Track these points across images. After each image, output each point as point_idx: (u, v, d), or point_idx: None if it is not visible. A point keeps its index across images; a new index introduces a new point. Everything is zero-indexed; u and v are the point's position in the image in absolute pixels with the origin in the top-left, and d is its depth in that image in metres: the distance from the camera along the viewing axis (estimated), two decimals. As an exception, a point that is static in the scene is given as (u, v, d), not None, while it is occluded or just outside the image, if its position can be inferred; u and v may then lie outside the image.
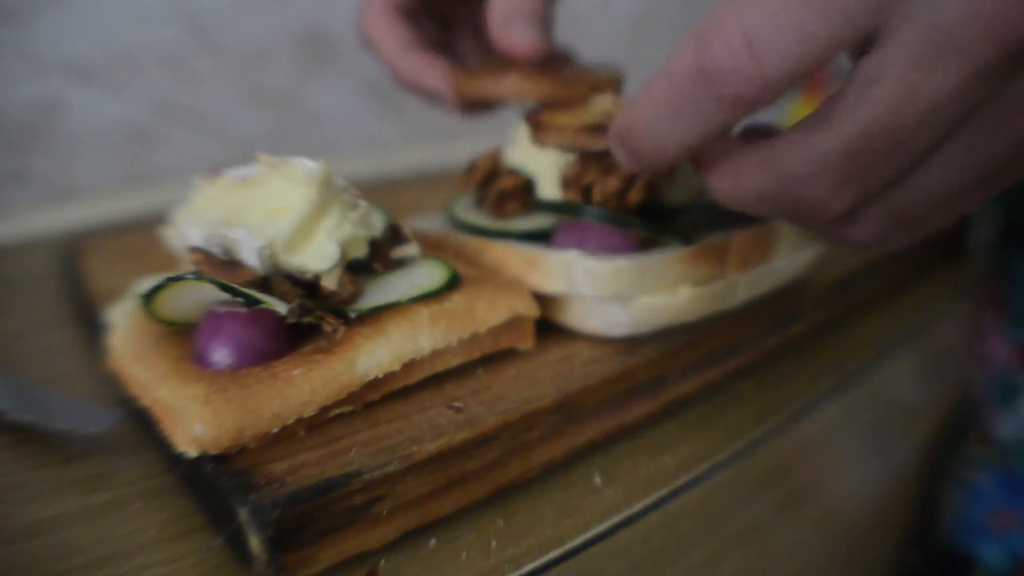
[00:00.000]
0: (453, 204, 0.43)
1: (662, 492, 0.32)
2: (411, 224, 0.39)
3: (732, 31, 0.21)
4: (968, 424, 0.65)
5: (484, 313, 0.33)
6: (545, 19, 0.37)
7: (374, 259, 0.34)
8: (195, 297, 0.30)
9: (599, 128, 0.33)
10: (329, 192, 0.31)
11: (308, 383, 0.27)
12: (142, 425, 0.31)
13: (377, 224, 0.34)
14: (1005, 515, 0.62)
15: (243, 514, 0.24)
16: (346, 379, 0.28)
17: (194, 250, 0.31)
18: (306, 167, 0.30)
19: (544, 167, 0.38)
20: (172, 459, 0.28)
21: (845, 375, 0.44)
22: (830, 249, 0.44)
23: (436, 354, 0.32)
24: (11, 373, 0.36)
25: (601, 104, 0.36)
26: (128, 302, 0.35)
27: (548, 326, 0.36)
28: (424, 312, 0.31)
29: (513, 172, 0.40)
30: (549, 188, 0.38)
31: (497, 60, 0.39)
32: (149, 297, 0.29)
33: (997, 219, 0.63)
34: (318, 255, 0.31)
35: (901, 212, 0.24)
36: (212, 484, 0.26)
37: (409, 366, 0.31)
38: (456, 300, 0.32)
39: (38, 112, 0.64)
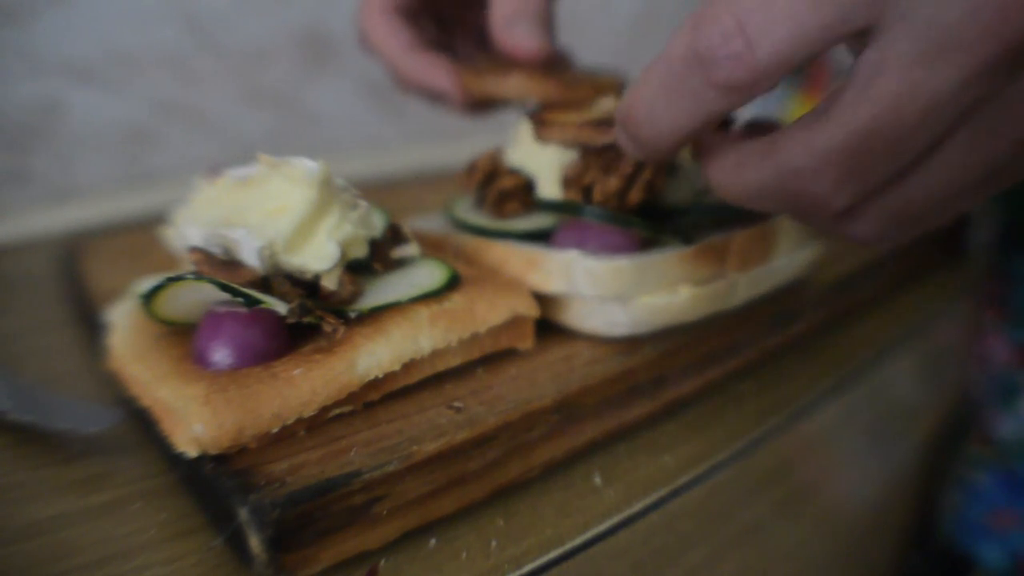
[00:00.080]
0: (453, 204, 0.43)
1: (662, 492, 0.32)
2: (411, 224, 0.39)
3: (725, 16, 0.21)
4: (968, 424, 0.65)
5: (484, 313, 0.33)
6: (547, 20, 0.37)
7: (374, 259, 0.34)
8: (195, 297, 0.30)
9: (604, 123, 0.33)
10: (329, 192, 0.31)
11: (308, 383, 0.27)
12: (142, 425, 0.31)
13: (377, 224, 0.34)
14: (1005, 515, 0.62)
15: (243, 514, 0.24)
16: (346, 379, 0.28)
17: (194, 250, 0.31)
18: (306, 167, 0.30)
19: (544, 167, 0.38)
20: (172, 459, 0.28)
21: (845, 375, 0.44)
22: (830, 249, 0.44)
23: (436, 354, 0.32)
24: (11, 373, 0.36)
25: (603, 106, 0.36)
26: (128, 302, 0.35)
27: (548, 326, 0.36)
28: (424, 312, 0.31)
29: (513, 172, 0.40)
30: (549, 188, 0.38)
31: (499, 60, 0.39)
32: (149, 297, 0.29)
33: (997, 219, 0.63)
34: (318, 255, 0.31)
35: (901, 209, 0.24)
36: (212, 484, 0.26)
37: (409, 366, 0.31)
38: (456, 300, 0.32)
39: (38, 112, 0.64)
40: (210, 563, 0.26)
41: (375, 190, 0.41)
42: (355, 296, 0.32)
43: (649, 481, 0.32)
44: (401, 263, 0.35)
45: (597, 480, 0.32)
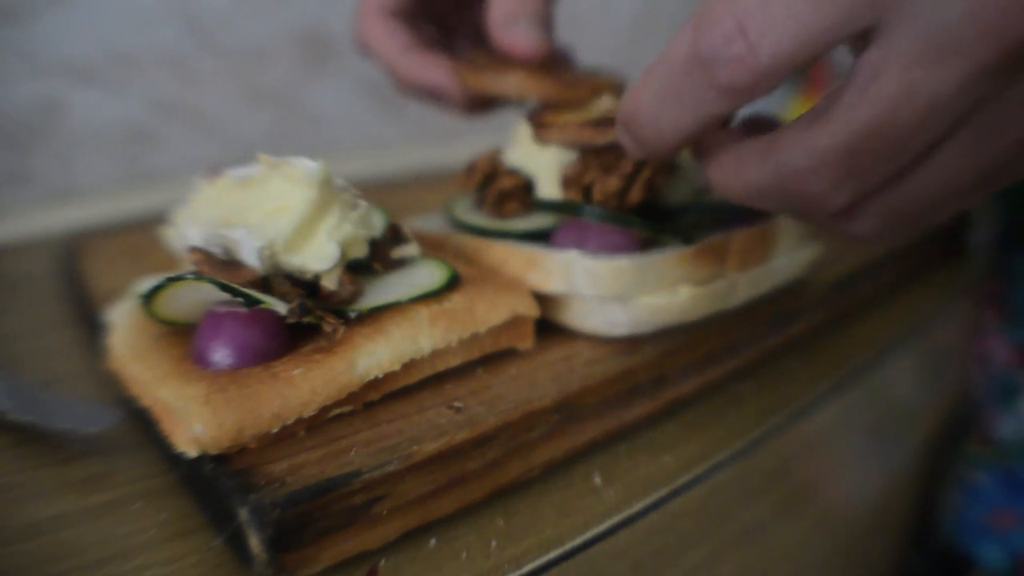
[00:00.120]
0: (453, 204, 0.43)
1: (662, 492, 0.32)
2: (411, 224, 0.39)
3: (727, 18, 0.21)
4: (968, 424, 0.65)
5: (484, 313, 0.33)
6: (546, 19, 0.37)
7: (374, 259, 0.34)
8: (195, 297, 0.30)
9: (604, 123, 0.33)
10: (329, 192, 0.31)
11: (308, 383, 0.27)
12: (142, 425, 0.31)
13: (377, 224, 0.34)
14: (1005, 515, 0.62)
15: (243, 514, 0.24)
16: (346, 379, 0.28)
17: (194, 250, 0.31)
18: (306, 167, 0.30)
19: (544, 167, 0.38)
20: (172, 459, 0.28)
21: (845, 375, 0.44)
22: (830, 249, 0.44)
23: (436, 354, 0.32)
24: (11, 373, 0.36)
25: (603, 106, 0.36)
26: (128, 302, 0.35)
27: (548, 326, 0.36)
28: (424, 312, 0.31)
29: (513, 172, 0.40)
30: (549, 188, 0.38)
31: (498, 59, 0.39)
32: (149, 297, 0.29)
33: (997, 219, 0.63)
34: (318, 255, 0.31)
35: (900, 208, 0.24)
36: (212, 484, 0.26)
37: (409, 366, 0.31)
38: (456, 300, 0.32)
39: (38, 112, 0.64)
40: (210, 563, 0.26)
41: (375, 190, 0.41)
42: (355, 296, 0.32)
43: (649, 481, 0.32)
44: (401, 263, 0.35)
45: (597, 480, 0.32)
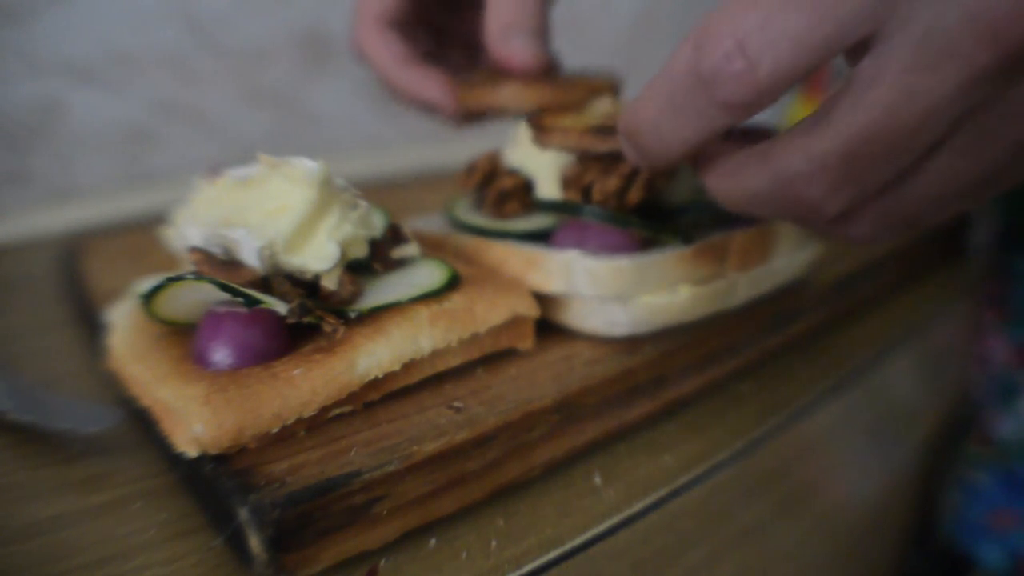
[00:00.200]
0: (453, 204, 0.43)
1: (662, 492, 0.32)
2: (411, 224, 0.39)
3: (726, 36, 0.21)
4: (968, 424, 0.65)
5: (484, 313, 0.33)
6: (544, 30, 0.37)
7: (374, 259, 0.34)
8: (195, 297, 0.30)
9: (605, 130, 0.33)
10: (329, 192, 0.31)
11: (308, 383, 0.28)
12: (142, 425, 0.31)
13: (377, 224, 0.34)
14: (1005, 515, 0.62)
15: (243, 514, 0.24)
16: (346, 379, 0.28)
17: (194, 250, 0.31)
18: (306, 167, 0.30)
19: (543, 167, 0.38)
20: (172, 459, 0.28)
21: (845, 375, 0.44)
22: (830, 249, 0.44)
23: (436, 354, 0.32)
24: (11, 373, 0.36)
25: (600, 108, 0.36)
26: (128, 302, 0.35)
27: (548, 326, 0.36)
28: (424, 312, 0.31)
29: (512, 172, 0.40)
30: (548, 188, 0.38)
31: (493, 71, 0.39)
32: (149, 297, 0.29)
33: (997, 219, 0.63)
34: (318, 255, 0.31)
35: (898, 212, 0.24)
36: (212, 484, 0.26)
37: (409, 366, 0.31)
38: (456, 300, 0.32)
39: (38, 112, 0.64)
40: (210, 563, 0.26)
41: (375, 190, 0.41)
42: (355, 296, 0.32)
43: (649, 481, 0.32)
44: (401, 263, 0.35)
45: (597, 480, 0.32)
